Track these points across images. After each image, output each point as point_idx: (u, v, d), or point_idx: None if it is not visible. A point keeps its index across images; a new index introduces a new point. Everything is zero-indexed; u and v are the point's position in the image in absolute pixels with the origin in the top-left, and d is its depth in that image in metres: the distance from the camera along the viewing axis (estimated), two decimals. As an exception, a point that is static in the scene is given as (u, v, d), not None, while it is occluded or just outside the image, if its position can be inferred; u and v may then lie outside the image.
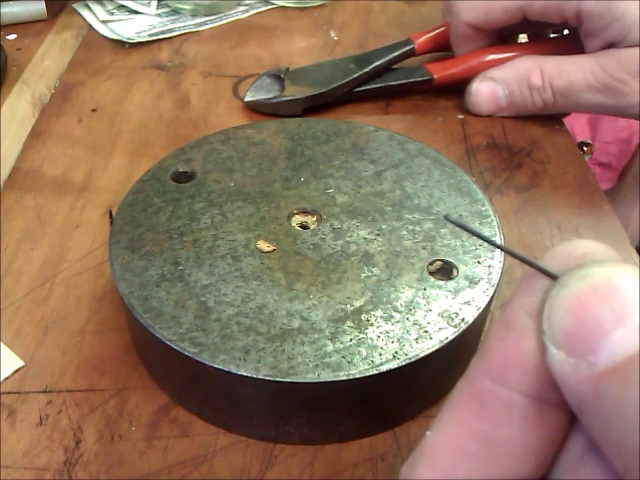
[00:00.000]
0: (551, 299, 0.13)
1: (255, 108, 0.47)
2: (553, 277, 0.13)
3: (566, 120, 0.47)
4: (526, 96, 0.43)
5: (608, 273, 0.12)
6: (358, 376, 0.24)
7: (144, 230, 0.30)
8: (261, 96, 0.46)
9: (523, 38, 0.51)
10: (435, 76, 0.46)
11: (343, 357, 0.25)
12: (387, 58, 0.47)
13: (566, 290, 0.12)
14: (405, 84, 0.47)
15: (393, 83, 0.47)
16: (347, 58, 0.48)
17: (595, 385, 0.11)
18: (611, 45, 0.41)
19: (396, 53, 0.47)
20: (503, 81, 0.44)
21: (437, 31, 0.48)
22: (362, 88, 0.47)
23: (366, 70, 0.46)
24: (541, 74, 0.42)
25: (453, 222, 0.16)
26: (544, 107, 0.43)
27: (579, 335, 0.12)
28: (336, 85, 0.46)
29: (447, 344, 0.25)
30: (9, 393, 0.29)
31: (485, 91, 0.44)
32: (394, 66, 0.48)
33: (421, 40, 0.48)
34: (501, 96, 0.44)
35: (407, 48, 0.47)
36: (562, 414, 0.14)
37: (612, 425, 0.11)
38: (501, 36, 0.47)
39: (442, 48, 0.49)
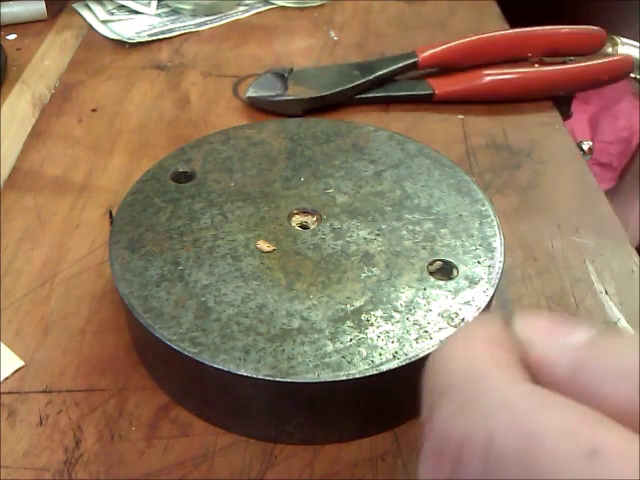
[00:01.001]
0: (521, 317, 0.15)
1: (256, 104, 0.47)
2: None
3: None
4: None
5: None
6: (358, 376, 0.24)
7: (144, 230, 0.30)
8: (263, 93, 0.46)
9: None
10: (436, 92, 0.47)
11: (343, 357, 0.25)
12: (390, 68, 0.47)
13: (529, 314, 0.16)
14: (406, 96, 0.47)
15: (394, 94, 0.48)
16: (351, 64, 0.49)
17: (584, 351, 0.14)
18: None
19: (400, 65, 0.48)
20: None
21: (442, 47, 0.48)
22: (363, 95, 0.47)
23: (369, 78, 0.47)
24: None
25: None
26: None
27: (555, 329, 0.15)
28: (339, 90, 0.46)
29: (447, 344, 0.25)
30: (9, 393, 0.29)
31: None
32: (397, 77, 0.48)
33: (425, 54, 0.48)
34: None
35: (411, 61, 0.48)
36: None
37: (608, 372, 0.13)
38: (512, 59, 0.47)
39: (445, 64, 0.49)
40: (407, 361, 0.25)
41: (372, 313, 0.26)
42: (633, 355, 0.12)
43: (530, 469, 0.11)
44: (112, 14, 0.60)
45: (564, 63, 0.49)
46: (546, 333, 0.15)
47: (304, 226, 0.31)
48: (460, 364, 0.15)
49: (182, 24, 0.58)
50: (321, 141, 0.36)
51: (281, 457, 0.27)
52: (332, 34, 0.57)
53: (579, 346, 0.14)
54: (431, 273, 0.28)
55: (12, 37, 0.57)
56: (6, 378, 0.29)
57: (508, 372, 0.14)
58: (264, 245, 0.29)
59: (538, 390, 0.13)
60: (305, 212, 0.32)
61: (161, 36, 0.56)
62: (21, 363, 0.30)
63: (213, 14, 0.60)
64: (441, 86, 0.47)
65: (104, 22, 0.59)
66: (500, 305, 0.17)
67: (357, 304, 0.27)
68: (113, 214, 0.33)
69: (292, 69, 0.47)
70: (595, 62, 0.48)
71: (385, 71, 0.47)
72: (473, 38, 0.48)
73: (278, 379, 0.24)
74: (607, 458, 0.11)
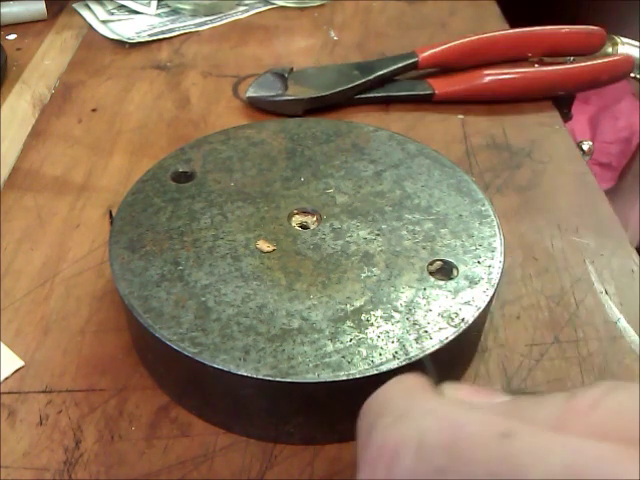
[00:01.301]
0: (448, 384, 0.18)
1: (256, 104, 0.47)
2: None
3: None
4: None
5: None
6: (358, 376, 0.24)
7: (144, 230, 0.30)
8: (263, 93, 0.46)
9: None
10: (436, 92, 0.47)
11: (343, 357, 0.25)
12: (390, 68, 0.47)
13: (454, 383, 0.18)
14: (406, 96, 0.47)
15: (394, 94, 0.48)
16: (351, 64, 0.49)
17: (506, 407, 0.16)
18: None
19: (400, 65, 0.48)
20: None
21: (442, 47, 0.48)
22: (363, 95, 0.47)
23: (369, 78, 0.47)
24: None
25: None
26: None
27: (480, 393, 0.17)
28: (339, 90, 0.46)
29: (447, 344, 0.25)
30: (9, 393, 0.29)
31: None
32: (397, 77, 0.48)
33: (425, 55, 0.48)
34: None
35: (411, 61, 0.48)
36: None
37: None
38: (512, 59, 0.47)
39: (445, 64, 0.49)
40: (407, 361, 0.25)
41: (372, 313, 0.26)
42: (544, 413, 0.15)
43: (454, 453, 0.14)
44: (112, 14, 0.60)
45: (564, 63, 0.49)
46: (472, 395, 0.17)
47: (304, 226, 0.31)
48: (395, 392, 0.17)
49: (182, 24, 0.58)
50: (321, 141, 0.36)
51: (281, 457, 0.27)
52: (332, 34, 0.57)
53: (502, 405, 0.16)
54: (431, 273, 0.28)
55: (12, 37, 0.57)
56: (6, 378, 0.29)
57: (436, 394, 0.17)
58: (264, 245, 0.29)
59: (460, 402, 0.16)
60: (305, 212, 0.32)
61: (161, 36, 0.56)
62: (21, 363, 0.30)
63: (213, 14, 0.60)
64: (441, 86, 0.47)
65: (104, 22, 0.59)
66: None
67: (357, 304, 0.27)
68: (113, 214, 0.33)
69: (292, 69, 0.47)
70: (595, 62, 0.48)
71: (385, 71, 0.47)
72: (473, 38, 0.48)
73: (278, 379, 0.24)
74: (517, 439, 0.13)
